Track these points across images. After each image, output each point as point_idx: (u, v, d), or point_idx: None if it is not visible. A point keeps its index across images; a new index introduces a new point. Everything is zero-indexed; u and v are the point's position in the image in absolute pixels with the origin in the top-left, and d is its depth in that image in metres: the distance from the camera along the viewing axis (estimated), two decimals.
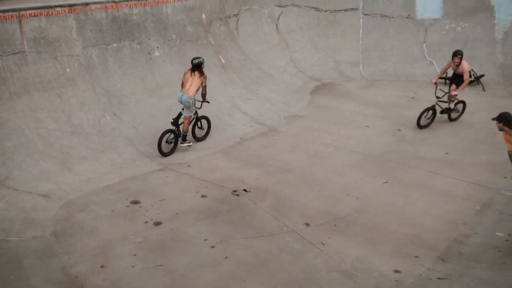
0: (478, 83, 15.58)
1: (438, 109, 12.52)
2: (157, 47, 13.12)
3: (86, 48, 11.76)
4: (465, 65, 12.18)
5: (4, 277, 6.67)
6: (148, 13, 13.12)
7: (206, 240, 7.65)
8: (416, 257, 7.16)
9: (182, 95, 10.85)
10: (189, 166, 10.34)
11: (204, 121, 11.88)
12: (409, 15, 18.21)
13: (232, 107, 13.25)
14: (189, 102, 10.84)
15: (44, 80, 10.83)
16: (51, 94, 10.81)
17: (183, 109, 10.99)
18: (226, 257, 7.20)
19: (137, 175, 9.94)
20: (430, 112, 12.41)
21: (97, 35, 12.03)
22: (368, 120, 13.08)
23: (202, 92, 11.11)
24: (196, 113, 11.44)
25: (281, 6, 18.02)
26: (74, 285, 6.65)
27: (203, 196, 9.07)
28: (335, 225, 8.06)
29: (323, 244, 7.51)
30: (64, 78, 11.18)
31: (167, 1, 13.61)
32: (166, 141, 10.83)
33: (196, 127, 11.73)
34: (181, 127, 11.06)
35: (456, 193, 9.07)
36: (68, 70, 11.29)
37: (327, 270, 6.92)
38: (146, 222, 8.20)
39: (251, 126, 12.59)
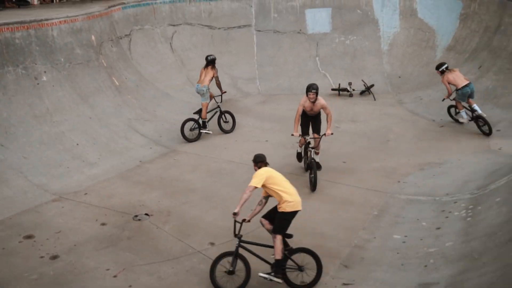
0: (369, 93, 16.47)
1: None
2: (45, 72, 12.57)
3: None
4: (321, 100, 10.48)
5: None
6: (32, 36, 12.56)
7: (108, 270, 7.40)
8: None
9: (198, 85, 13.25)
10: (86, 194, 9.98)
11: (228, 115, 13.72)
12: (300, 30, 18.95)
13: (129, 129, 12.99)
14: (203, 90, 13.11)
15: None
16: None
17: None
18: (130, 286, 7.02)
19: (30, 207, 9.40)
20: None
21: None
22: (267, 134, 13.38)
23: (216, 83, 13.53)
24: (218, 107, 13.54)
25: (174, 25, 18.06)
26: None
27: (102, 224, 8.79)
28: None
29: (229, 262, 7.53)
30: None
31: (53, 24, 13.11)
32: (190, 129, 12.91)
33: (222, 121, 13.61)
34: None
35: (354, 200, 9.49)
36: None
37: None
38: (41, 257, 7.77)
39: (150, 148, 12.41)
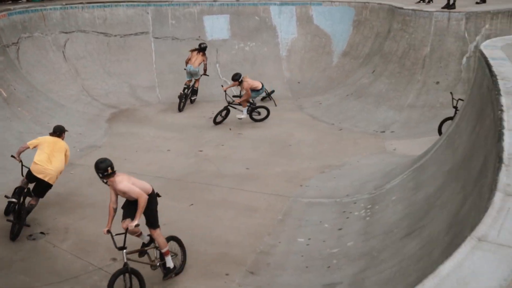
0: (270, 99, 16.82)
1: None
2: None
3: None
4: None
5: None
6: None
7: None
8: (227, 274, 7.42)
9: (190, 66, 16.29)
10: None
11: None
12: (199, 36, 19.00)
13: (20, 143, 12.28)
14: (196, 70, 16.31)
15: None
16: None
17: (190, 76, 16.55)
18: None
19: None
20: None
21: None
22: (169, 143, 13.27)
23: (204, 68, 16.68)
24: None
25: (66, 33, 17.47)
26: None
27: None
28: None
29: None
30: None
31: None
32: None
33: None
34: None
35: (258, 206, 9.64)
36: None
37: None
38: None
39: None
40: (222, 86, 15.80)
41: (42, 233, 8.69)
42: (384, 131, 13.57)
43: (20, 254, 8.05)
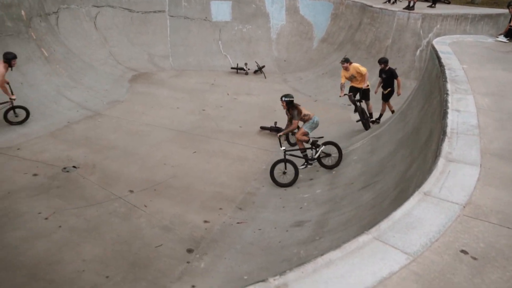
0: (261, 72, 16.64)
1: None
2: None
3: None
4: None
5: None
6: None
7: (39, 213, 6.97)
8: (220, 209, 7.47)
9: None
10: (18, 149, 9.25)
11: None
12: (206, 17, 18.57)
13: (58, 95, 12.12)
14: None
15: None
16: None
17: None
18: (60, 226, 6.68)
19: None
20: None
21: None
22: (179, 102, 13.13)
23: None
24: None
25: (97, 7, 16.93)
26: None
27: (34, 175, 8.22)
28: (155, 189, 7.99)
29: (145, 206, 7.40)
30: None
31: None
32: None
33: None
34: None
35: (248, 157, 9.64)
36: None
37: (150, 227, 6.85)
38: None
39: (77, 111, 11.70)
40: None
41: (74, 167, 8.64)
42: (350, 105, 13.55)
43: (56, 182, 8.03)
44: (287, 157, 8.52)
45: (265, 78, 16.34)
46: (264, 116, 12.38)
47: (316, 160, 8.84)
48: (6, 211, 6.98)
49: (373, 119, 11.33)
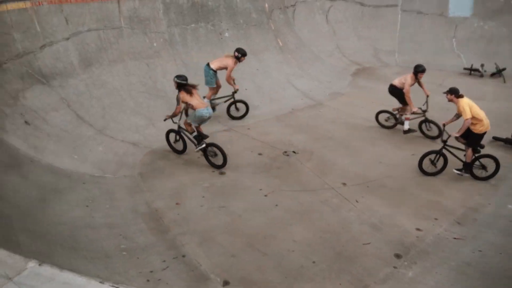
0: (500, 76, 14.74)
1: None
2: (227, 29, 13.00)
3: (170, 27, 11.79)
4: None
5: (101, 205, 6.91)
6: (221, 0, 12.98)
7: (260, 189, 7.66)
8: (436, 219, 6.96)
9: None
10: (248, 129, 10.30)
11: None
12: (442, 12, 17.29)
13: (286, 82, 13.05)
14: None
15: (136, 51, 10.96)
16: (141, 63, 10.94)
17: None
18: (276, 205, 7.21)
19: (207, 133, 9.93)
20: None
21: (179, 16, 12.02)
22: None
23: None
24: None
25: (331, 0, 17.46)
26: (154, 216, 6.83)
27: (259, 154, 9.05)
28: (367, 186, 7.91)
29: (357, 201, 7.40)
30: (152, 50, 11.28)
31: None
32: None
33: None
34: None
35: None
36: (155, 44, 11.38)
37: (359, 223, 6.83)
38: (212, 171, 8.28)
39: (301, 99, 12.39)
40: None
41: (294, 152, 9.18)
42: None
43: (277, 164, 8.67)
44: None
45: (504, 82, 14.38)
46: (498, 125, 10.93)
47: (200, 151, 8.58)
48: (234, 182, 7.88)
49: None
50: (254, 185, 7.80)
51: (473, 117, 7.76)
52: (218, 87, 10.58)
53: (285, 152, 9.17)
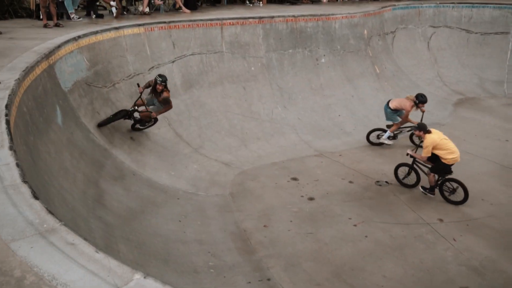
0: None
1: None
2: (324, 55, 13.04)
3: (268, 52, 12.12)
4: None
5: (193, 221, 7.18)
6: (319, 26, 13.09)
7: (350, 219, 7.47)
8: None
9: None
10: (340, 155, 10.15)
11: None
12: None
13: (381, 110, 12.67)
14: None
15: (234, 75, 11.40)
16: (238, 86, 11.35)
17: None
18: (366, 236, 6.97)
19: (297, 157, 10.00)
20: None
21: (277, 42, 12.33)
22: (508, 134, 11.67)
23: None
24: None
25: (434, 27, 16.82)
26: (242, 237, 6.94)
27: (350, 182, 8.86)
28: (467, 225, 7.36)
29: (454, 240, 6.92)
30: (249, 74, 11.65)
31: (336, 18, 13.44)
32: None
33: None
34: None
35: None
36: (253, 68, 11.75)
37: (456, 264, 6.36)
38: (302, 196, 8.25)
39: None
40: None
41: (387, 182, 8.84)
42: None
43: (369, 193, 8.41)
44: None
45: None
46: None
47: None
48: (323, 209, 7.77)
49: None
50: (344, 214, 7.62)
51: (443, 149, 7.78)
52: (403, 122, 10.48)
53: (378, 181, 8.87)
